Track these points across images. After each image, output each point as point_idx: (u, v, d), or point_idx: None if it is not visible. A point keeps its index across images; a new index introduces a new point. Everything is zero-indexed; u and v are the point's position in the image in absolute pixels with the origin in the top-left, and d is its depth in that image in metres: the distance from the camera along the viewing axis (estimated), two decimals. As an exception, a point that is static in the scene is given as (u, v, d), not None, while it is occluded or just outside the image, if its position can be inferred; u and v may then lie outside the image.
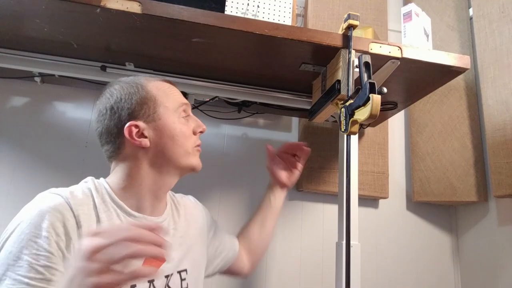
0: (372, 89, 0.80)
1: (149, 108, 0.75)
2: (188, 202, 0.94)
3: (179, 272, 0.79)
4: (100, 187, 0.73)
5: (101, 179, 0.76)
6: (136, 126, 0.73)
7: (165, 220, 0.80)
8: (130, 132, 0.73)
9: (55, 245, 0.60)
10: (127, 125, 0.73)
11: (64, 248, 0.62)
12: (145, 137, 0.74)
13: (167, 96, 0.79)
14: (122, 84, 0.77)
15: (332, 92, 0.99)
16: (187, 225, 0.87)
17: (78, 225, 0.65)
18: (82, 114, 1.39)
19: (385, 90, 0.82)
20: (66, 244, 0.62)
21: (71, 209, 0.65)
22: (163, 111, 0.76)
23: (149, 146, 0.74)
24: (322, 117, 1.15)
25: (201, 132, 0.83)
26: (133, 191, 0.75)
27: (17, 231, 0.60)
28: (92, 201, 0.70)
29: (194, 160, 0.80)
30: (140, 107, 0.74)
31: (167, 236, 0.78)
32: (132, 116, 0.74)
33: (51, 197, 0.65)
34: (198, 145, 0.82)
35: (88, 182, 0.74)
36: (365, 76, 0.86)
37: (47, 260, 0.59)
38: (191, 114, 0.83)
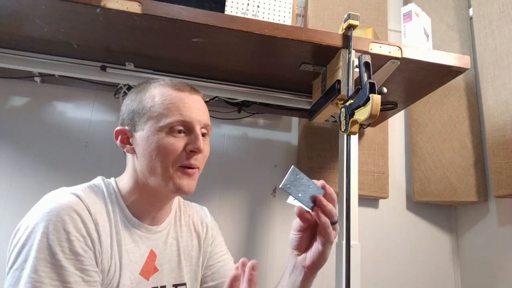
0: (372, 89, 0.80)
1: (139, 117, 0.72)
2: (195, 213, 0.88)
3: (176, 286, 0.76)
4: (109, 187, 0.73)
5: (112, 179, 0.75)
6: (124, 133, 0.73)
7: (165, 228, 0.77)
8: (117, 137, 0.73)
9: (84, 246, 0.61)
10: (116, 128, 0.74)
11: (91, 245, 0.62)
12: (130, 144, 0.73)
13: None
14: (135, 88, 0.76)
15: (332, 92, 0.99)
16: (190, 236, 0.83)
17: (95, 223, 0.64)
18: (82, 114, 1.39)
19: (385, 90, 0.82)
20: (91, 242, 0.63)
21: (87, 209, 0.64)
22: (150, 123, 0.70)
23: (137, 156, 0.71)
24: (322, 117, 1.15)
25: (192, 151, 0.69)
26: (135, 196, 0.73)
27: (38, 235, 0.58)
28: (104, 202, 0.69)
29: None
30: (131, 115, 0.73)
31: (164, 245, 0.76)
32: (122, 122, 0.74)
33: (67, 197, 0.64)
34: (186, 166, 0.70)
35: (100, 182, 0.73)
36: (365, 76, 0.86)
37: (81, 264, 0.60)
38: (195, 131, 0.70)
